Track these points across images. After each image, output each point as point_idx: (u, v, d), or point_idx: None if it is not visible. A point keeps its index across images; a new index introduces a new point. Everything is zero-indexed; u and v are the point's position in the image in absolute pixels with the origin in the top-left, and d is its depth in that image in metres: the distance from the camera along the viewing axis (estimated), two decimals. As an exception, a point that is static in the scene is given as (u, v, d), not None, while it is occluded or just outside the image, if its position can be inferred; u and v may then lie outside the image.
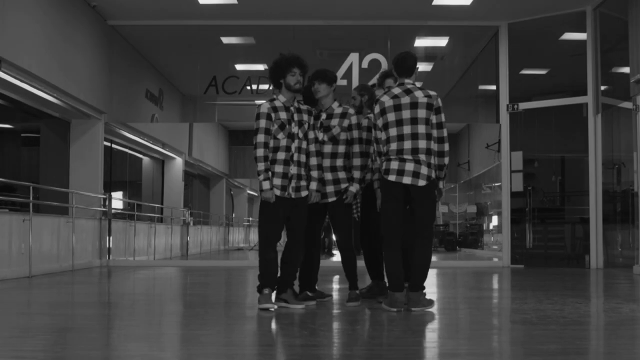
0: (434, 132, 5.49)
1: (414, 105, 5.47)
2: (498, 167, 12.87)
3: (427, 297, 5.57)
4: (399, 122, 5.48)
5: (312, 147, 5.79)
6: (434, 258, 6.23)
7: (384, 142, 5.54)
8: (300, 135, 5.69)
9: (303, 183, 5.71)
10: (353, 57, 12.31)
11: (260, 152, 5.56)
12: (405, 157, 5.43)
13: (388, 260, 5.47)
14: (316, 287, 6.11)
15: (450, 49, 13.58)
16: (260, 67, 14.11)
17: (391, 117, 5.49)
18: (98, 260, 11.56)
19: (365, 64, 12.24)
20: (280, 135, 5.61)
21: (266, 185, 5.56)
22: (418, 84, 5.71)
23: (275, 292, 5.68)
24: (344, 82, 12.21)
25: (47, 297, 7.11)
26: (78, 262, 10.59)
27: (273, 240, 5.63)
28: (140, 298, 7.19)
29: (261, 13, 11.85)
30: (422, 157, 5.43)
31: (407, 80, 5.60)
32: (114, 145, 14.53)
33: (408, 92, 5.53)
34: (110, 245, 11.82)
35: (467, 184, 19.03)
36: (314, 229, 5.96)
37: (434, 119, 5.49)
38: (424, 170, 5.42)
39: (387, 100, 5.54)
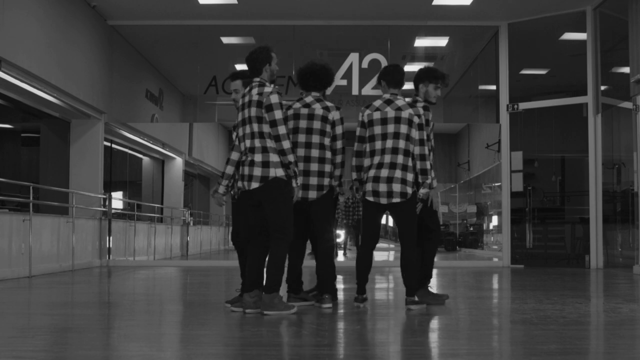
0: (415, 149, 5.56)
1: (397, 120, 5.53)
2: (498, 167, 12.87)
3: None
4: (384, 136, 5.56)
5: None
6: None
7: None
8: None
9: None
10: (353, 57, 12.31)
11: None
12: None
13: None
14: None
15: (450, 49, 13.58)
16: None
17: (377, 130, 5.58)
18: (98, 260, 11.56)
19: (365, 64, 12.24)
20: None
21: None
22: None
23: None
24: (344, 82, 12.21)
25: (47, 297, 7.11)
26: (78, 262, 10.59)
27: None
28: (140, 298, 7.19)
29: (261, 13, 11.85)
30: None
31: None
32: (114, 145, 14.52)
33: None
34: (110, 245, 11.82)
35: (467, 184, 19.04)
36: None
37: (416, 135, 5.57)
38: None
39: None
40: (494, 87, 12.59)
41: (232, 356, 3.84)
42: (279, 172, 5.23)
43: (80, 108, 11.20)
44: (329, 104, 5.74)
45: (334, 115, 5.68)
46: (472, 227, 18.62)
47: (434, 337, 4.50)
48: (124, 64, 13.01)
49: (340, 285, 8.03)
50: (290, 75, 12.16)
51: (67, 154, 11.98)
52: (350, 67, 12.28)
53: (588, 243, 11.47)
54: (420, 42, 13.53)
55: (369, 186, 5.50)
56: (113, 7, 11.62)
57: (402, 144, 5.46)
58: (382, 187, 5.45)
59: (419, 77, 5.95)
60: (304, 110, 5.67)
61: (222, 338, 4.47)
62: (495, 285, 8.84)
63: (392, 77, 5.65)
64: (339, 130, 5.68)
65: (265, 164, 5.21)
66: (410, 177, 5.49)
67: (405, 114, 5.51)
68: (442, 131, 18.76)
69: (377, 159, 5.51)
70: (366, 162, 5.59)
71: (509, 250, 12.07)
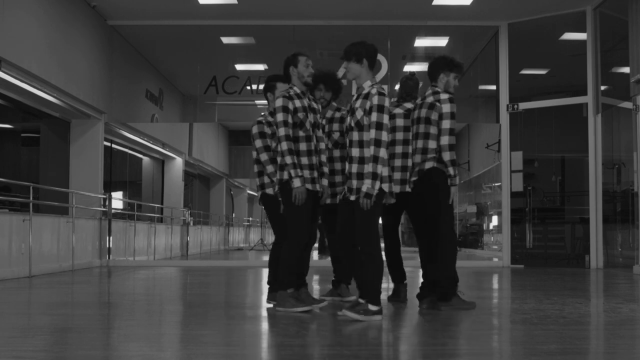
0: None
1: None
2: (498, 167, 12.86)
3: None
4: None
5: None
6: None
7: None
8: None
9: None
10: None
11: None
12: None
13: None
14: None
15: (450, 49, 13.57)
16: (260, 67, 14.10)
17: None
18: (98, 260, 11.56)
19: (365, 64, 12.22)
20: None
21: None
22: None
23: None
24: (344, 82, 12.18)
25: (47, 297, 7.11)
26: (78, 262, 10.59)
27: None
28: (140, 298, 7.19)
29: (261, 13, 11.85)
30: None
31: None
32: (114, 145, 14.52)
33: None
34: (110, 245, 11.81)
35: (467, 184, 19.03)
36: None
37: None
38: None
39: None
40: (494, 87, 12.59)
41: (232, 356, 3.84)
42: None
43: (80, 108, 11.20)
44: None
45: None
46: (472, 227, 18.62)
47: (434, 337, 4.50)
48: (124, 64, 13.00)
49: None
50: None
51: (67, 154, 11.97)
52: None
53: (588, 243, 11.47)
54: (420, 42, 13.54)
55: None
56: (113, 7, 11.62)
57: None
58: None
59: (439, 66, 5.68)
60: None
61: (222, 338, 4.47)
62: (495, 285, 8.84)
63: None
64: None
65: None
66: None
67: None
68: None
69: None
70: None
71: (509, 250, 12.07)
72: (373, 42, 5.19)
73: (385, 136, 4.91)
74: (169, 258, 14.70)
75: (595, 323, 5.17)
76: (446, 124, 5.51)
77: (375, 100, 4.93)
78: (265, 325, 4.83)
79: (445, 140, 5.49)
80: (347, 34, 12.61)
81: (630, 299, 6.75)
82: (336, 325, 4.84)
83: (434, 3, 11.27)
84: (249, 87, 12.75)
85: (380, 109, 4.91)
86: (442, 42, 13.45)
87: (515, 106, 12.08)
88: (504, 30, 12.21)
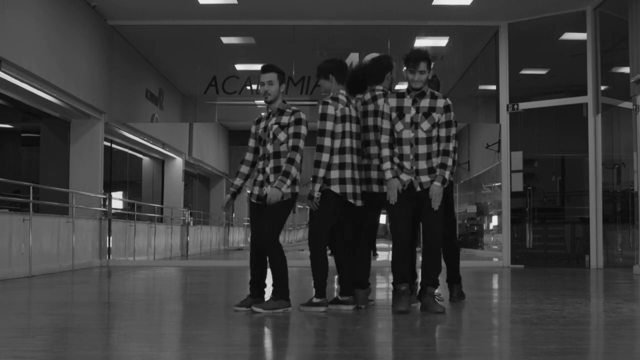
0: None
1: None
2: (498, 167, 12.86)
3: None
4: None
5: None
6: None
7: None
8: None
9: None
10: (353, 57, 12.29)
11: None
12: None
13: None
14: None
15: (450, 49, 13.58)
16: (260, 67, 14.10)
17: None
18: (98, 260, 11.56)
19: (365, 64, 12.23)
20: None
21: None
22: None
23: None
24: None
25: (47, 297, 7.11)
26: (78, 262, 10.59)
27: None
28: (140, 298, 7.19)
29: (261, 13, 11.85)
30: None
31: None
32: (114, 145, 14.52)
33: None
34: (110, 245, 11.81)
35: (467, 184, 19.03)
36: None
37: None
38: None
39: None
40: (494, 87, 12.59)
41: (232, 356, 3.84)
42: None
43: (80, 108, 11.20)
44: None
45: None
46: (472, 227, 18.62)
47: (434, 337, 4.50)
48: (124, 64, 13.00)
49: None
50: (291, 75, 12.18)
51: (67, 154, 11.97)
52: (350, 67, 12.25)
53: (588, 243, 11.47)
54: (420, 42, 13.53)
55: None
56: (113, 7, 11.62)
57: None
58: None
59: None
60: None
61: (222, 338, 4.47)
62: (495, 285, 8.84)
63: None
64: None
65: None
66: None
67: None
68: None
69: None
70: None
71: (509, 250, 12.07)
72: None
73: (327, 142, 5.34)
74: (169, 258, 14.70)
75: (595, 323, 5.17)
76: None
77: (319, 109, 5.46)
78: (264, 326, 4.83)
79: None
80: (347, 34, 12.63)
81: (630, 299, 6.75)
82: (336, 325, 4.84)
83: (434, 3, 11.27)
84: (249, 87, 12.74)
85: (323, 117, 5.40)
86: (442, 42, 13.45)
87: (515, 106, 12.08)
88: (504, 30, 12.20)
